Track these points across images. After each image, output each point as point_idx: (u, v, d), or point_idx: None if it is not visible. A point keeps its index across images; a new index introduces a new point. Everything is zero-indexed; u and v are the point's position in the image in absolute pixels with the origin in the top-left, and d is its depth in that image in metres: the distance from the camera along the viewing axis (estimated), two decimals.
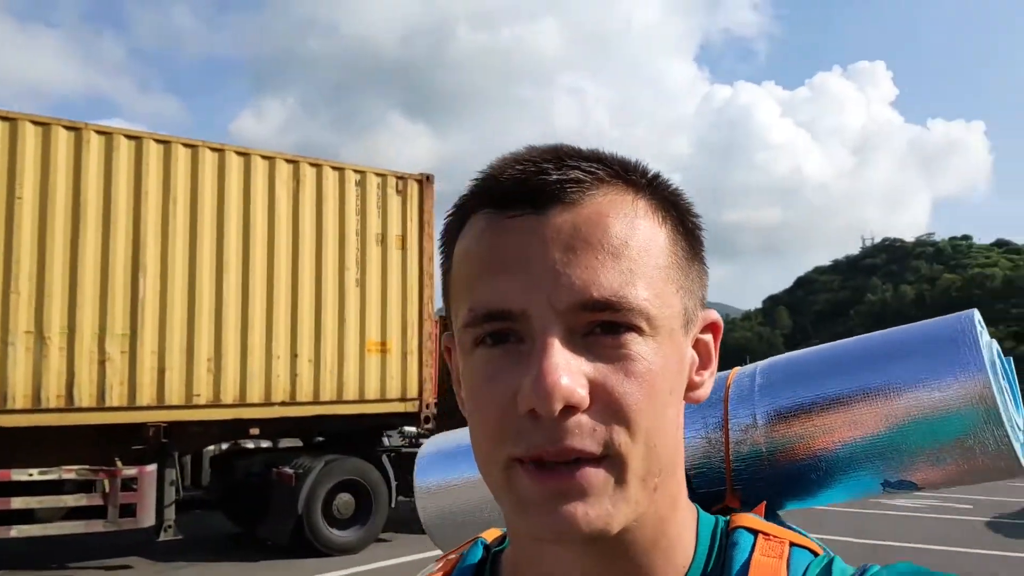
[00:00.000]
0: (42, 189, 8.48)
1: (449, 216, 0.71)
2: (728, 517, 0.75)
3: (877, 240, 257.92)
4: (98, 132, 8.83)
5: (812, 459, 0.87)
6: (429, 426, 11.01)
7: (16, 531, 8.45)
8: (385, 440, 11.56)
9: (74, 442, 8.67)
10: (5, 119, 8.38)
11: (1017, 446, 0.82)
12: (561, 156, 0.65)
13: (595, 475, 0.60)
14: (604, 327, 0.62)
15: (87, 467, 8.71)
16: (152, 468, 9.04)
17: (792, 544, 0.71)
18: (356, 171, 10.51)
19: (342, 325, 10.21)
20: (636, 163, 0.68)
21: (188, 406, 9.16)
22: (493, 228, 0.65)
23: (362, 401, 10.34)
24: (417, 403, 10.73)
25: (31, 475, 8.40)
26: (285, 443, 11.64)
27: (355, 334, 10.31)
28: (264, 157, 9.87)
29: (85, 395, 8.56)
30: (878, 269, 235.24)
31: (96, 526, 8.75)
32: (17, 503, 8.41)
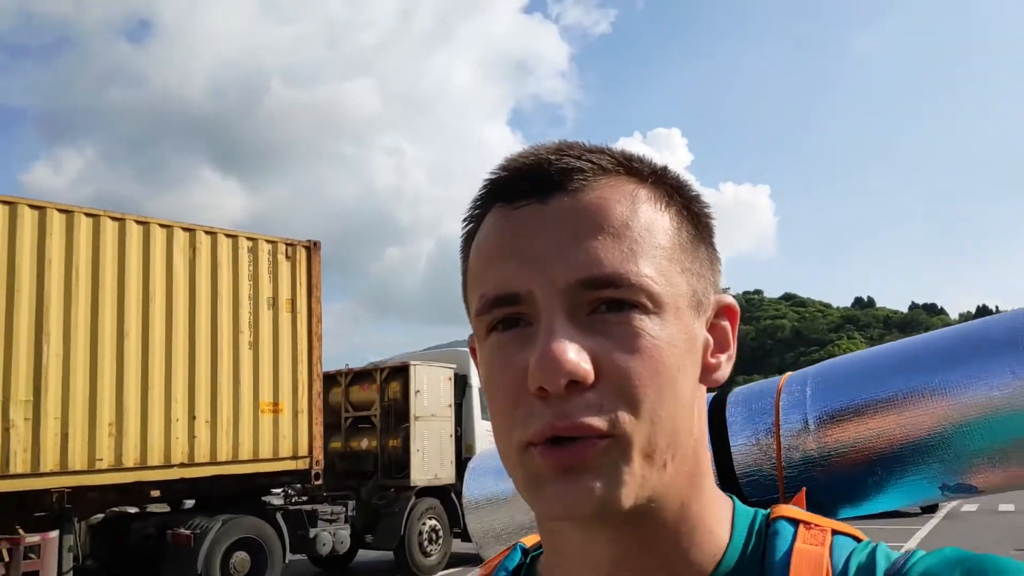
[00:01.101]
0: None
1: (466, 219, 0.72)
2: (768, 510, 0.73)
3: None
4: (2, 202, 8.95)
5: (867, 464, 0.85)
6: (319, 482, 11.46)
7: None
8: (266, 498, 11.85)
9: None
10: None
11: None
12: (563, 149, 0.67)
13: (599, 448, 0.60)
14: (608, 305, 0.62)
15: None
16: (54, 535, 9.07)
17: (834, 531, 0.69)
18: (248, 238, 10.99)
19: (237, 387, 10.59)
20: (641, 156, 0.69)
21: (91, 471, 9.27)
22: (501, 220, 0.66)
23: (256, 460, 10.70)
24: (308, 460, 11.17)
25: None
26: (153, 508, 11.67)
27: (249, 395, 10.70)
28: (162, 226, 10.21)
29: None
30: None
31: None
32: None
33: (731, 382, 0.91)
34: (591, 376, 0.60)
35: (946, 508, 20.39)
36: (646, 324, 0.62)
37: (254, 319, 10.87)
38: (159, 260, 10.08)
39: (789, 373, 0.96)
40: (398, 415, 13.12)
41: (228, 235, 10.82)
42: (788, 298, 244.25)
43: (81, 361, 9.31)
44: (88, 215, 9.61)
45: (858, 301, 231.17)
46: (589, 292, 0.62)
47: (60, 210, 9.40)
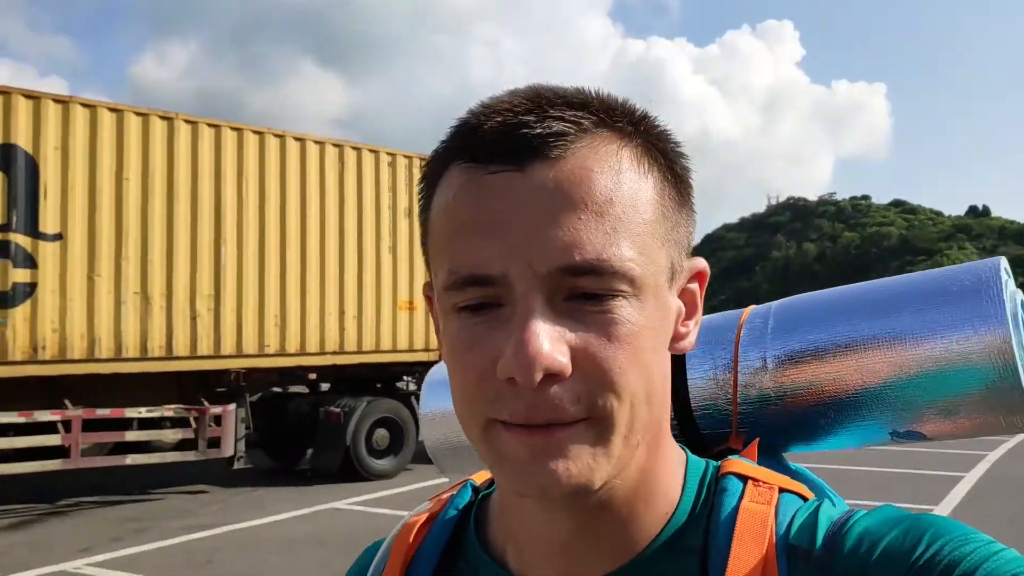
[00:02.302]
0: (144, 173, 9.98)
1: (428, 165, 0.67)
2: (719, 463, 0.73)
3: (782, 199, 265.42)
4: (186, 121, 10.35)
5: (821, 406, 0.86)
6: None
7: (130, 459, 10.11)
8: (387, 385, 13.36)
9: (171, 385, 10.30)
10: (113, 110, 9.83)
11: None
12: (543, 105, 0.61)
13: (576, 432, 0.60)
14: (587, 293, 0.60)
15: (183, 406, 10.36)
16: (233, 407, 10.73)
17: (782, 490, 0.70)
18: (388, 153, 12.23)
19: (379, 286, 12.01)
20: (623, 105, 0.65)
21: (261, 355, 10.86)
22: (472, 185, 0.61)
23: (394, 351, 12.18)
24: (437, 352, 12.53)
25: (140, 413, 10.03)
26: (294, 389, 13.29)
27: (389, 294, 12.12)
28: (316, 142, 11.52)
29: (181, 346, 10.18)
30: (783, 227, 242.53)
31: (189, 456, 10.43)
32: (130, 436, 10.05)
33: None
34: (568, 370, 0.58)
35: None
36: (625, 311, 0.60)
37: (393, 227, 12.19)
38: (314, 173, 11.41)
39: (752, 307, 0.94)
40: None
41: (371, 150, 12.07)
42: (897, 204, 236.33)
43: (252, 263, 10.80)
44: (255, 132, 10.94)
45: (972, 210, 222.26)
46: (569, 279, 0.59)
47: (232, 128, 10.76)
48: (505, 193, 0.60)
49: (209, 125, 10.56)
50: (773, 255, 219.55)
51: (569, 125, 0.61)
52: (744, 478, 0.71)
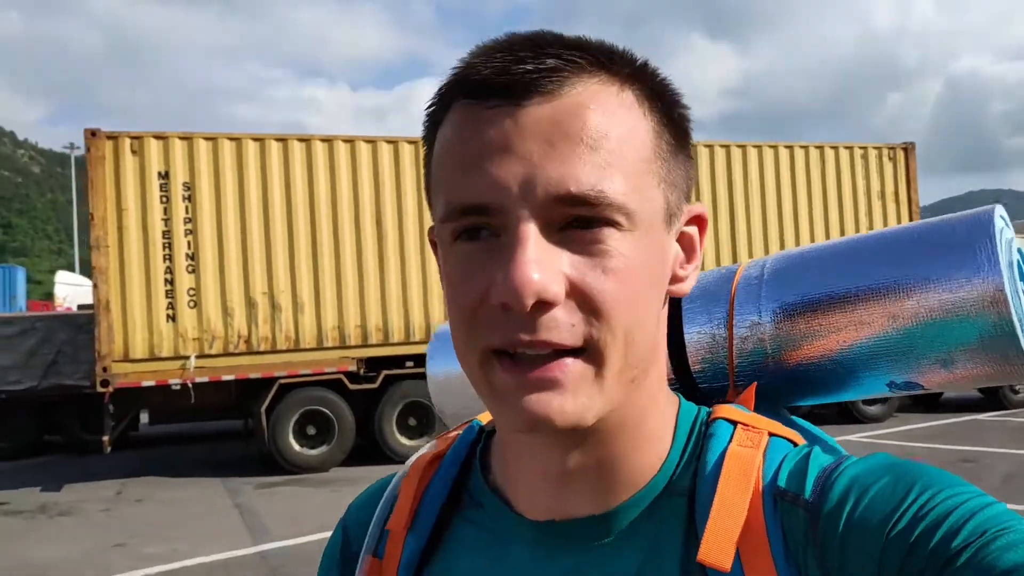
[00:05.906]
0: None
1: (430, 107, 0.67)
2: (711, 409, 0.73)
3: None
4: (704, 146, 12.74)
5: (817, 358, 0.84)
6: None
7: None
8: None
9: None
10: (390, 142, 11.54)
11: None
12: (540, 44, 0.62)
13: (572, 367, 0.60)
14: (581, 221, 0.60)
15: None
16: None
17: (771, 435, 0.69)
18: (860, 148, 13.85)
19: None
20: (622, 52, 0.65)
21: None
22: (471, 119, 0.62)
23: None
24: None
25: None
26: None
27: None
28: (801, 147, 13.41)
29: None
30: None
31: None
32: None
33: None
34: (560, 298, 0.59)
35: None
36: (619, 244, 0.60)
37: (869, 209, 13.72)
38: (801, 174, 13.28)
39: (747, 262, 0.93)
40: None
41: (845, 147, 13.72)
42: None
43: None
44: (737, 146, 12.86)
45: None
46: (563, 208, 0.59)
47: (704, 145, 12.64)
48: (501, 126, 0.60)
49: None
50: None
51: (564, 63, 0.61)
52: (734, 423, 0.70)
